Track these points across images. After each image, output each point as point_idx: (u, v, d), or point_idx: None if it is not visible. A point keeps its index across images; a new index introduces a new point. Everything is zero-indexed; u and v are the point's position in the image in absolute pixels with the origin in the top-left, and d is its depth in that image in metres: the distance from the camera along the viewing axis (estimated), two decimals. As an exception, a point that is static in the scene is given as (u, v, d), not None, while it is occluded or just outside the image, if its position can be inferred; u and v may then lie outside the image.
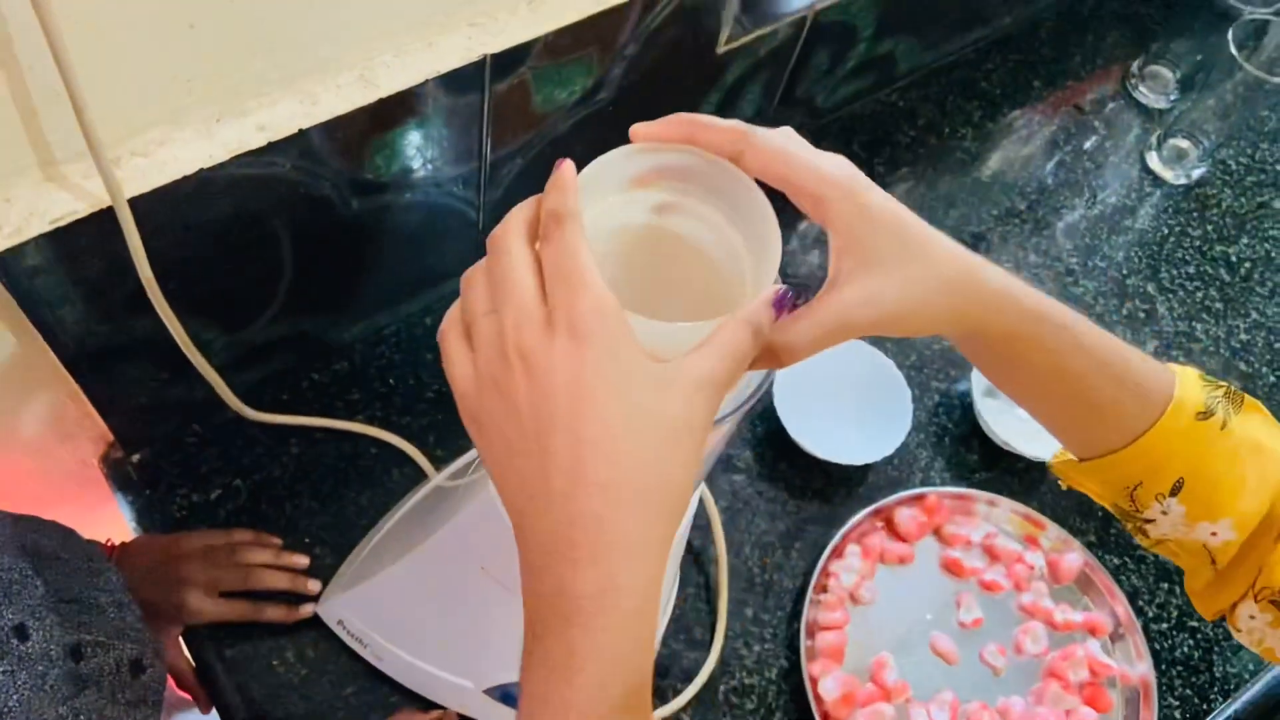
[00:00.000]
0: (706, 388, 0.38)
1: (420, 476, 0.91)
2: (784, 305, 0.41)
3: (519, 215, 0.40)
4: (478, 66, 0.72)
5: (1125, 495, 0.54)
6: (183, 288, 0.72)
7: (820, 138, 1.16)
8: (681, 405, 0.37)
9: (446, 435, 0.93)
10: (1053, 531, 0.95)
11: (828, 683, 0.86)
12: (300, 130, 0.67)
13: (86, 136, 0.58)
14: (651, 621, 0.38)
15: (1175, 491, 0.52)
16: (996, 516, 0.96)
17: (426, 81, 0.70)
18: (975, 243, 1.12)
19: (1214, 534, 0.53)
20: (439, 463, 0.92)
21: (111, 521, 0.88)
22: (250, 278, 0.79)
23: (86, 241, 0.64)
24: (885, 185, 1.13)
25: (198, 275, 0.74)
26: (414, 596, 0.78)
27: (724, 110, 0.98)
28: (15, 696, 0.54)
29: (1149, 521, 0.55)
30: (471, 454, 0.84)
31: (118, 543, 0.81)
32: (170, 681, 0.82)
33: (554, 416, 0.36)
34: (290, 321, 0.87)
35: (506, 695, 0.78)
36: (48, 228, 0.62)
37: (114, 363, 0.77)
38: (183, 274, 0.71)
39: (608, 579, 0.36)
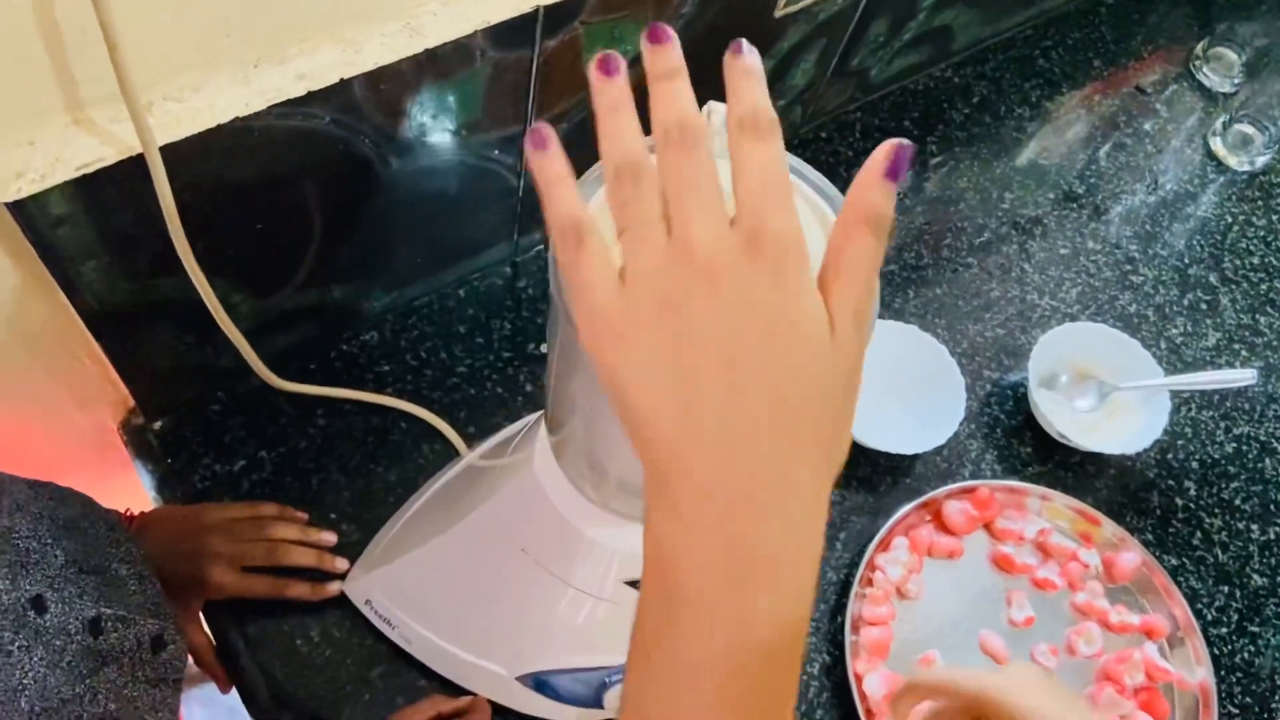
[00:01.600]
0: (862, 324, 0.33)
1: (451, 454, 0.88)
2: (897, 171, 0.33)
3: (696, 113, 0.34)
4: (529, 19, 0.68)
5: None
6: (211, 247, 0.68)
7: (872, 113, 1.12)
8: (856, 355, 0.33)
9: (478, 412, 0.89)
10: (1108, 529, 0.91)
11: (873, 680, 0.82)
12: (341, 80, 0.63)
13: (120, 77, 0.54)
14: (814, 587, 0.34)
15: None
16: (1050, 512, 0.92)
17: (475, 33, 0.66)
18: (1031, 227, 1.08)
19: None
20: (471, 440, 0.88)
21: (130, 491, 0.84)
22: (281, 240, 0.75)
23: (114, 192, 0.60)
24: (937, 165, 1.10)
25: (228, 234, 0.70)
26: (446, 577, 0.75)
27: (776, 80, 0.94)
28: (31, 674, 0.51)
29: None
30: (507, 432, 0.81)
31: (137, 513, 0.77)
32: (188, 658, 0.79)
33: (740, 351, 0.32)
34: (320, 288, 0.83)
35: (541, 683, 0.74)
36: (74, 174, 0.58)
37: (138, 324, 0.73)
38: (213, 232, 0.68)
39: (796, 531, 0.32)
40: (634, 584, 0.65)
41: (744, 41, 0.35)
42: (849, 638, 0.83)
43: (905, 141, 0.33)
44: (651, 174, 0.34)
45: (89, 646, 0.56)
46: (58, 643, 0.54)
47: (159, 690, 0.60)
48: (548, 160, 0.34)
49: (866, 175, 0.33)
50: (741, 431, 0.32)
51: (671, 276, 0.32)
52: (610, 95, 0.34)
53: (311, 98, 0.63)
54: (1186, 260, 1.09)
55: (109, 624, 0.59)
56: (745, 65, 0.35)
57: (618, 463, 0.53)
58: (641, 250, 0.33)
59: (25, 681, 0.50)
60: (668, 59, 0.35)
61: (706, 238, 0.32)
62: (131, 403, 0.83)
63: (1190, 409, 1.01)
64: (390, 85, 0.66)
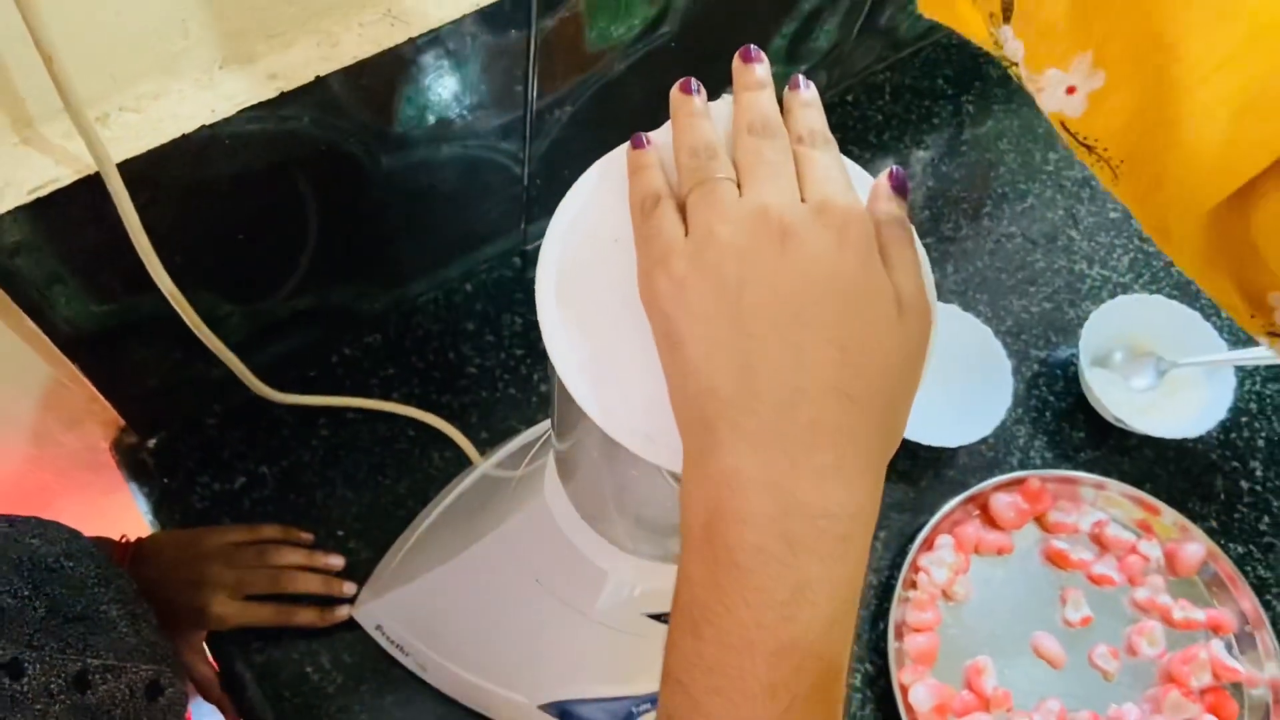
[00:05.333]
0: (925, 305, 0.35)
1: (464, 461, 0.83)
2: (904, 187, 0.37)
3: (778, 116, 0.37)
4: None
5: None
6: (190, 260, 0.63)
7: (903, 72, 1.04)
8: (922, 335, 0.34)
9: (491, 416, 0.84)
10: (1169, 517, 0.85)
11: (919, 691, 0.77)
12: (318, 78, 0.57)
13: (61, 90, 0.48)
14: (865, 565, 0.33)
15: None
16: (1106, 501, 0.86)
17: (463, 18, 0.60)
18: (1077, 190, 1.00)
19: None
20: (484, 446, 0.83)
21: (125, 512, 0.80)
22: (268, 246, 0.70)
23: (75, 212, 0.55)
24: (974, 126, 1.02)
25: (207, 246, 0.65)
26: (459, 603, 0.70)
27: (797, 44, 0.86)
28: None
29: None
30: (523, 439, 0.75)
31: (133, 539, 0.73)
32: (190, 688, 0.75)
33: (807, 306, 0.32)
34: (315, 292, 0.78)
35: (565, 713, 0.70)
36: (26, 199, 0.52)
37: (118, 345, 0.68)
38: (189, 245, 0.62)
39: (854, 497, 0.31)
40: (657, 618, 0.60)
41: (802, 77, 0.39)
42: (892, 645, 0.78)
43: (895, 168, 0.37)
44: (725, 153, 0.36)
45: (75, 704, 0.52)
46: (38, 707, 0.51)
47: None
48: (644, 154, 0.38)
49: (875, 193, 0.36)
50: (803, 389, 0.31)
51: (741, 227, 0.33)
52: (691, 105, 0.37)
53: (286, 99, 0.57)
54: (1247, 220, 1.01)
55: (97, 676, 0.54)
56: (804, 98, 0.38)
57: (633, 504, 0.47)
58: (711, 202, 0.34)
59: None
60: (755, 74, 0.38)
61: (779, 199, 0.33)
62: (122, 422, 0.78)
63: (1255, 383, 0.94)
64: (373, 80, 0.60)
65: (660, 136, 0.39)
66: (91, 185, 0.53)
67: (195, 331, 0.66)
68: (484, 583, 0.67)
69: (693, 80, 0.38)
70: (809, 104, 0.38)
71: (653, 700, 0.68)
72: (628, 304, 0.36)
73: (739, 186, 0.35)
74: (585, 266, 0.38)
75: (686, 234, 0.35)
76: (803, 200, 0.34)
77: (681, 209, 0.36)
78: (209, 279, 0.67)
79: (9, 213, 0.52)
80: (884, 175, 0.37)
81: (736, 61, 0.38)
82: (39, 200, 0.53)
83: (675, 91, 0.38)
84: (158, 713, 0.58)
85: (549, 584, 0.62)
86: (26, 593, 0.54)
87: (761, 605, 0.31)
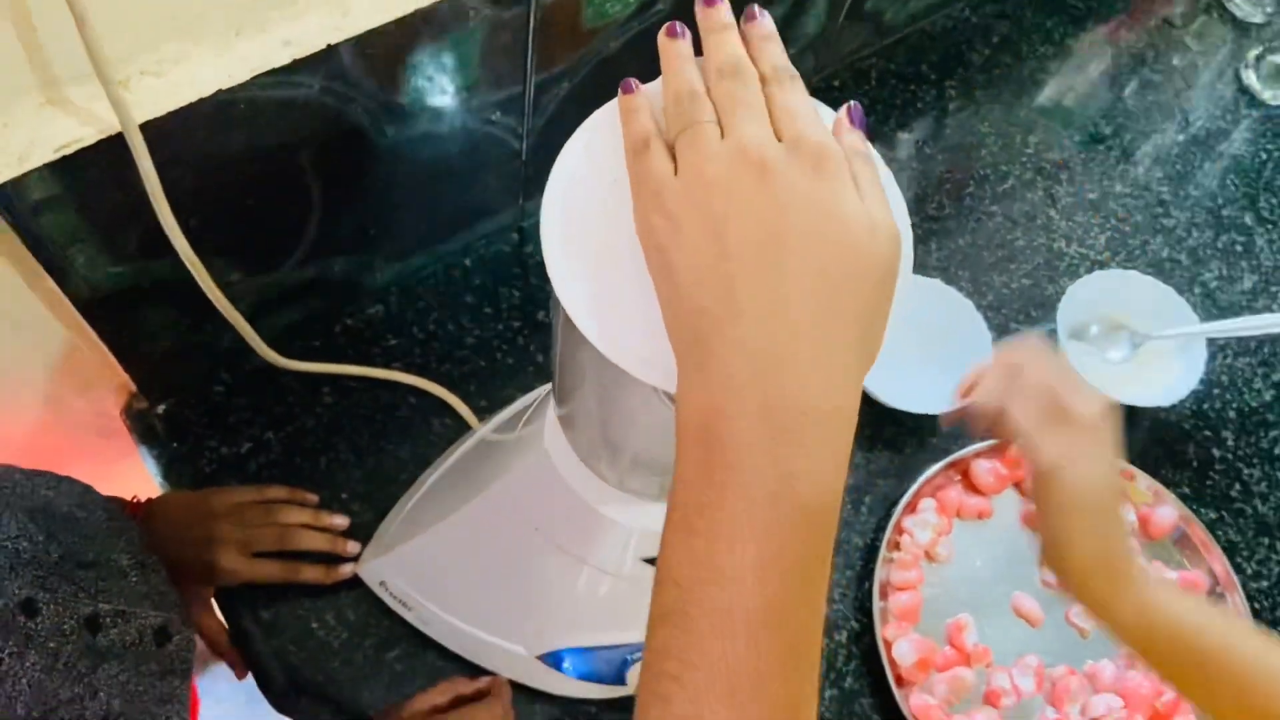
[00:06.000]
0: (893, 225, 0.37)
1: (463, 428, 0.85)
2: (863, 121, 0.40)
3: (745, 56, 0.39)
4: (524, -28, 0.64)
5: None
6: (204, 225, 0.65)
7: (888, 58, 1.08)
8: (894, 253, 0.37)
9: (489, 384, 0.87)
10: (1144, 483, 0.88)
11: (902, 646, 0.80)
12: (329, 46, 0.60)
13: (91, 53, 0.51)
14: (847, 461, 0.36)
15: None
16: (1082, 468, 0.89)
17: (467, -10, 0.63)
18: (1056, 171, 1.04)
19: None
20: (482, 414, 0.86)
21: (136, 476, 0.82)
22: (277, 215, 0.73)
23: (96, 172, 0.58)
24: (957, 110, 1.06)
25: (220, 211, 0.67)
26: (460, 557, 0.73)
27: (786, 27, 0.89)
28: (25, 679, 0.49)
29: None
30: (519, 405, 0.78)
31: (144, 499, 0.75)
32: (201, 643, 0.78)
33: (786, 231, 0.35)
34: (320, 263, 0.81)
35: (562, 662, 0.72)
36: (52, 156, 0.55)
37: (133, 307, 0.71)
38: (203, 210, 0.65)
39: (834, 395, 0.34)
40: (653, 561, 0.63)
41: (756, 6, 0.40)
42: (877, 604, 0.81)
43: (852, 103, 0.40)
44: (707, 98, 0.38)
45: (87, 645, 0.55)
46: (52, 645, 0.53)
47: (166, 682, 0.59)
48: (634, 99, 0.40)
49: (836, 128, 0.39)
50: (785, 300, 0.34)
51: (723, 165, 0.36)
52: (677, 48, 0.40)
53: (298, 65, 0.60)
54: (1220, 201, 1.05)
55: (107, 619, 0.57)
56: (762, 31, 0.40)
57: (631, 439, 0.50)
58: (697, 145, 0.37)
59: (19, 687, 0.49)
60: (719, 15, 0.40)
61: (757, 138, 0.36)
62: (133, 387, 0.81)
63: (1227, 356, 0.97)
64: (381, 49, 0.63)
65: (650, 85, 0.42)
66: (114, 146, 0.56)
67: (207, 293, 0.69)
68: (485, 535, 0.70)
69: (678, 24, 0.40)
70: (768, 37, 0.40)
71: (647, 648, 0.71)
72: (625, 240, 0.39)
73: (720, 126, 0.38)
74: (586, 206, 0.41)
75: (676, 173, 0.38)
76: (778, 137, 0.37)
77: (671, 149, 0.38)
78: (220, 246, 0.70)
79: (36, 170, 0.55)
80: (843, 110, 0.40)
81: (699, 6, 0.40)
82: (64, 159, 0.55)
83: (662, 35, 0.41)
84: (165, 658, 0.61)
85: (548, 532, 0.64)
86: (41, 538, 0.57)
87: (750, 493, 0.33)
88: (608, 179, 0.41)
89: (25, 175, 0.55)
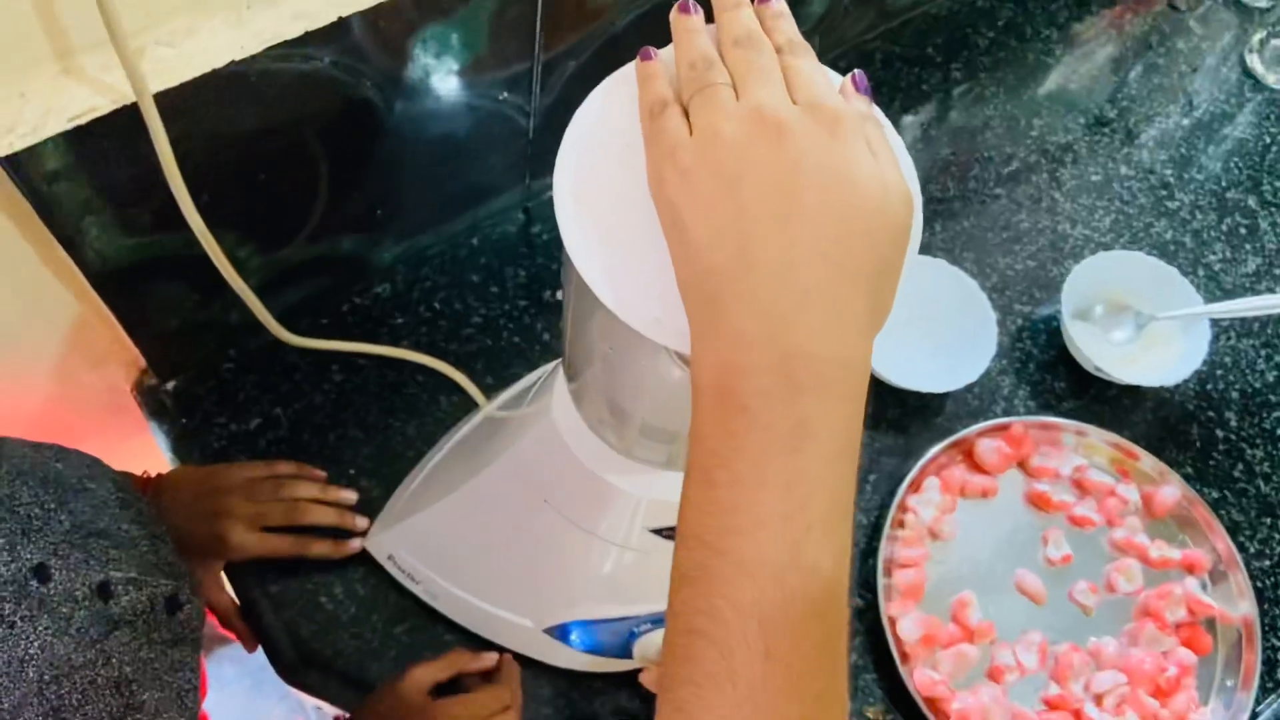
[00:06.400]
0: (908, 196, 0.38)
1: (470, 406, 0.86)
2: (867, 88, 0.41)
3: (759, 28, 0.40)
4: (533, -53, 0.65)
5: None
6: (215, 199, 0.66)
7: (893, 41, 1.08)
8: (906, 215, 0.37)
9: (495, 363, 0.87)
10: (1147, 462, 0.88)
11: (907, 623, 0.80)
12: (339, 19, 0.61)
13: (108, 22, 0.51)
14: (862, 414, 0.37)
15: None
16: (1086, 447, 0.90)
17: (477, -36, 0.63)
18: (1061, 154, 1.04)
19: None
20: (489, 391, 0.86)
21: (146, 452, 0.83)
22: (287, 190, 0.73)
23: (110, 143, 0.58)
24: (962, 94, 1.06)
25: (231, 185, 0.68)
26: (468, 530, 0.73)
27: (793, 10, 0.89)
28: (37, 643, 0.49)
29: None
30: (525, 382, 0.79)
31: (154, 475, 0.76)
32: (212, 619, 0.78)
33: (801, 190, 0.35)
34: (328, 239, 0.81)
35: (569, 635, 0.73)
36: (66, 126, 0.55)
37: (144, 280, 0.71)
38: (215, 183, 0.65)
39: (846, 348, 0.35)
40: (660, 532, 0.63)
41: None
42: (881, 580, 0.81)
43: (857, 71, 0.41)
44: (722, 64, 0.39)
45: (98, 611, 0.55)
46: (64, 610, 0.53)
47: (177, 651, 0.59)
48: (651, 65, 0.41)
49: (843, 94, 0.39)
50: (798, 258, 0.34)
51: (739, 125, 0.36)
52: (689, 22, 0.41)
53: (309, 38, 0.60)
54: (1224, 184, 1.05)
55: (119, 587, 0.57)
56: (774, 10, 0.41)
57: (640, 405, 0.50)
58: (712, 105, 0.37)
59: (31, 651, 0.49)
60: None
61: (773, 100, 0.36)
62: (143, 363, 0.81)
63: (1230, 337, 0.98)
64: (390, 23, 0.63)
65: (666, 53, 0.42)
66: (128, 116, 0.56)
67: (219, 268, 0.69)
68: (492, 508, 0.71)
69: (690, 1, 0.41)
70: (780, 14, 0.41)
71: (654, 620, 0.71)
72: (637, 201, 0.40)
73: (735, 90, 0.38)
74: (598, 168, 0.41)
75: (691, 134, 0.38)
76: (795, 101, 0.37)
77: (685, 114, 0.39)
78: (232, 219, 0.70)
79: (50, 139, 0.55)
80: (848, 79, 0.40)
81: None
82: (78, 129, 0.56)
83: (674, 12, 0.42)
84: (177, 626, 0.61)
85: (557, 503, 0.65)
86: (52, 506, 0.57)
87: (769, 440, 0.34)
88: (621, 143, 0.41)
89: (40, 144, 0.55)
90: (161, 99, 0.57)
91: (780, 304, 0.34)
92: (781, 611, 0.33)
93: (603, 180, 0.41)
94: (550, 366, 0.74)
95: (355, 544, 0.78)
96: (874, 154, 0.37)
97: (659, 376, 0.45)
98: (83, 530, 0.57)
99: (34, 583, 0.52)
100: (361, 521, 0.79)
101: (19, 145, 0.55)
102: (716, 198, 0.36)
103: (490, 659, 0.75)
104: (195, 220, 0.65)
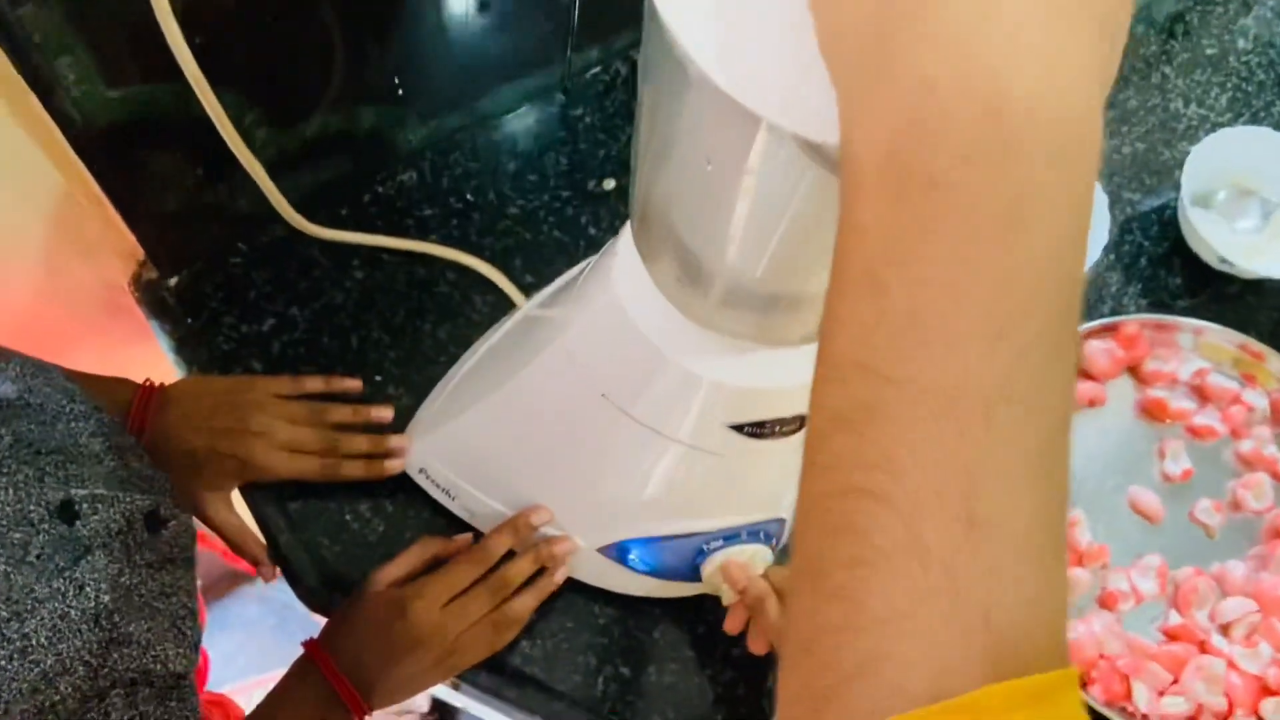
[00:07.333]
0: None
1: (507, 306, 0.76)
2: None
3: None
4: None
5: None
6: (214, 46, 0.56)
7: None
8: None
9: (535, 259, 0.78)
10: (1276, 365, 0.78)
11: (1007, 545, 0.71)
12: None
13: None
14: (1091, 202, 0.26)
15: None
16: (1206, 349, 0.79)
17: None
18: (1171, 25, 0.93)
19: None
20: (529, 290, 0.76)
21: (149, 363, 0.74)
22: (297, 44, 0.63)
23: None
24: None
25: (232, 31, 0.58)
26: (510, 437, 0.64)
27: None
28: None
29: None
30: (569, 276, 0.69)
31: (157, 384, 0.66)
32: (220, 548, 0.70)
33: None
34: (347, 112, 0.71)
35: (626, 555, 0.64)
36: (26, -68, 0.46)
37: (135, 146, 0.62)
38: (212, 25, 0.56)
39: (1072, 103, 0.24)
40: (742, 429, 0.53)
41: None
42: (977, 498, 0.72)
43: None
44: None
45: (62, 535, 0.46)
46: (16, 536, 0.44)
47: (165, 573, 0.51)
48: None
49: None
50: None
51: None
52: None
53: None
54: (1355, 59, 0.93)
55: (85, 505, 0.48)
56: None
57: (744, 245, 0.40)
58: None
59: None
60: None
61: None
62: (141, 254, 0.72)
63: (1365, 228, 0.86)
64: None
65: None
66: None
67: (220, 130, 0.60)
68: (539, 408, 0.61)
69: None
70: None
71: (728, 536, 0.62)
72: None
73: None
74: None
75: None
76: None
77: None
78: (233, 74, 0.60)
79: (8, -52, 0.46)
80: None
81: None
82: (41, -65, 0.46)
83: None
84: (162, 545, 0.52)
85: (616, 397, 0.55)
86: None
87: (970, 225, 0.23)
88: None
89: (-5, -48, 0.46)
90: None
91: (982, 42, 0.24)
92: (994, 463, 0.23)
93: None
94: (605, 249, 0.64)
95: (393, 464, 0.69)
96: None
97: (776, 192, 0.35)
98: (31, 448, 0.48)
99: None
100: (398, 443, 0.69)
101: (-32, -48, 0.45)
102: None
103: (464, 539, 0.66)
104: (190, 66, 0.55)
